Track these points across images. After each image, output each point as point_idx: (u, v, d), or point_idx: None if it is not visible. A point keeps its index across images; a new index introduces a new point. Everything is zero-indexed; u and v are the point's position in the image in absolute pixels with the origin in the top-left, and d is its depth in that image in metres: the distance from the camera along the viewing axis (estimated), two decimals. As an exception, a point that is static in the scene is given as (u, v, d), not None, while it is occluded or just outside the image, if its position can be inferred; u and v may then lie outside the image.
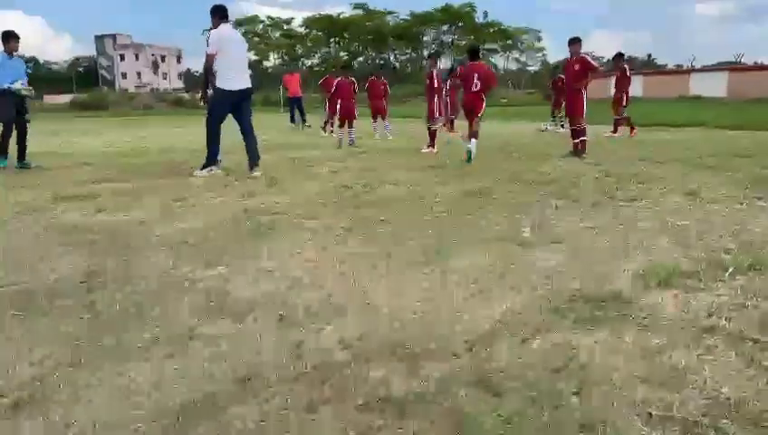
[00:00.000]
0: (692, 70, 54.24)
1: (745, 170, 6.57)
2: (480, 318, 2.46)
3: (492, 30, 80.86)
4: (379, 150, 10.02)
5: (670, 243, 3.61)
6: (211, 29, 6.79)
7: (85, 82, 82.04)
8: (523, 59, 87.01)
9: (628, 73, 12.89)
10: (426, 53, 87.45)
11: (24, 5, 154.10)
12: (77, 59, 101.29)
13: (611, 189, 5.53)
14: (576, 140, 8.58)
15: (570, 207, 4.76)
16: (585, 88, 8.64)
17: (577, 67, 8.53)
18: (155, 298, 2.73)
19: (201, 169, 6.82)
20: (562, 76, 14.92)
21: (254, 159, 7.01)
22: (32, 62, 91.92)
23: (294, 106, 18.07)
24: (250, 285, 2.90)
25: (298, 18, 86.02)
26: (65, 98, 42.50)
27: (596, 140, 10.79)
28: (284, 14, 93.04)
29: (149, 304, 2.66)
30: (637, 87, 50.80)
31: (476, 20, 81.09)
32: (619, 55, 13.23)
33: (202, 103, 7.58)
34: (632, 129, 12.27)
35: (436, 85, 10.29)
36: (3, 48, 7.74)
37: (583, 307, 2.55)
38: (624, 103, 12.72)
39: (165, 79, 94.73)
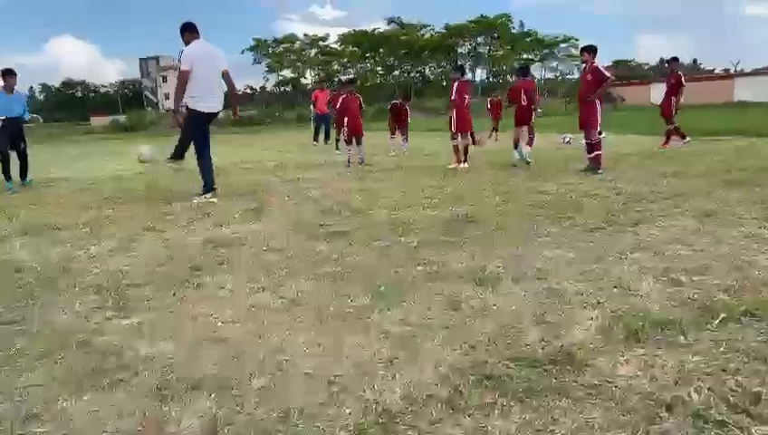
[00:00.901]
0: (737, 74, 51.90)
1: (775, 186, 5.90)
2: (385, 390, 2.03)
3: (528, 40, 79.85)
4: (388, 169, 9.64)
5: (659, 281, 3.09)
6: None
7: (131, 104, 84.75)
8: (561, 67, 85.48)
9: (683, 80, 11.66)
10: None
11: (76, 31, 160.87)
12: (123, 81, 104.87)
13: (616, 211, 5.00)
14: (591, 155, 8.02)
15: (560, 234, 4.27)
16: (599, 99, 8.08)
17: (590, 78, 7.98)
18: (41, 355, 2.41)
19: (200, 196, 6.54)
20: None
21: (210, 183, 6.71)
22: (81, 85, 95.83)
23: (321, 123, 17.70)
24: (149, 343, 2.55)
25: (334, 35, 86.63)
26: (107, 120, 44.01)
27: (640, 152, 10.16)
28: (325, 32, 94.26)
29: (26, 365, 2.34)
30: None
31: (512, 30, 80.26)
32: (674, 60, 12.15)
33: (172, 126, 7.43)
34: (667, 141, 11.49)
35: (452, 98, 9.88)
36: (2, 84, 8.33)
37: (520, 374, 2.09)
38: (675, 112, 11.61)
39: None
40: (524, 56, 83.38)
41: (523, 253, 3.78)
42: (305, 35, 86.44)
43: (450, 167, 9.34)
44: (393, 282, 3.23)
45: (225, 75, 6.67)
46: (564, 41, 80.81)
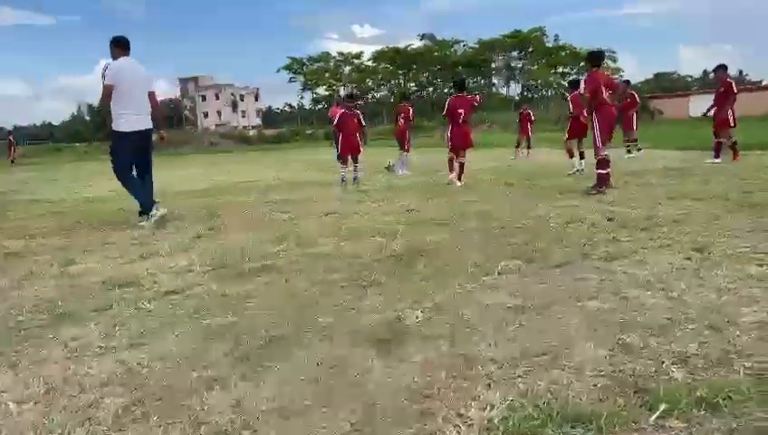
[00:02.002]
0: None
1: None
2: None
3: (564, 53, 78.31)
4: (381, 189, 9.05)
5: (603, 345, 2.40)
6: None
7: (171, 123, 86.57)
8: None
9: (735, 89, 10.63)
10: (494, 79, 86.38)
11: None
12: (162, 101, 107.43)
13: (596, 242, 4.28)
14: (601, 171, 7.24)
15: (515, 272, 3.59)
16: (598, 114, 7.37)
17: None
18: None
19: (141, 218, 6.14)
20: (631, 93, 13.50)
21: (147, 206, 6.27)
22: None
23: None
24: None
25: (368, 53, 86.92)
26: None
27: (659, 169, 9.32)
28: (362, 49, 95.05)
29: None
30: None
31: (547, 44, 78.92)
32: (721, 67, 10.94)
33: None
34: (736, 153, 10.55)
35: (444, 114, 9.31)
36: None
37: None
38: (732, 124, 10.65)
39: (244, 117, 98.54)
40: (560, 70, 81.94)
41: (459, 298, 3.13)
42: (339, 53, 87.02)
43: (447, 182, 9.06)
44: (278, 340, 2.63)
45: (152, 96, 6.30)
46: (601, 54, 79.00)
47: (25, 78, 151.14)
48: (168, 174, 16.06)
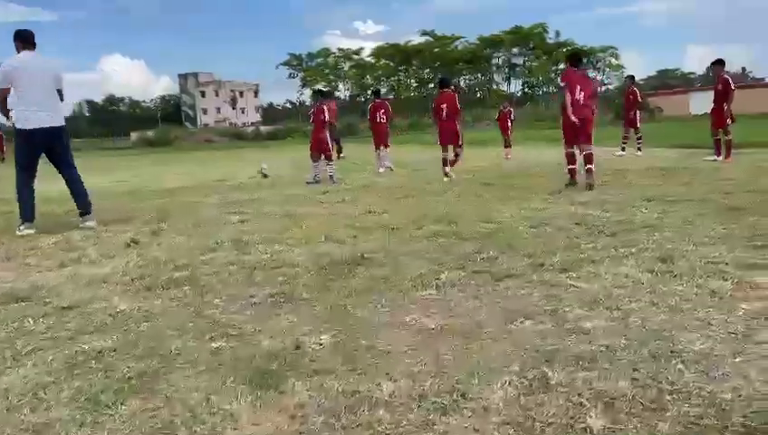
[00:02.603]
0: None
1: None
2: None
3: (565, 49, 77.74)
4: (353, 188, 8.68)
5: (513, 381, 2.03)
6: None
7: (170, 119, 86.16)
8: (600, 77, 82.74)
9: (732, 84, 10.19)
10: (495, 76, 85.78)
11: (128, 51, 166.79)
12: (163, 97, 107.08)
13: (555, 249, 3.90)
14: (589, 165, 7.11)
15: (453, 285, 3.23)
16: (565, 112, 7.34)
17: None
18: None
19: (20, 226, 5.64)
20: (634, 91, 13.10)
21: (83, 208, 5.90)
22: (121, 101, 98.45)
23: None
24: None
25: (368, 49, 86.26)
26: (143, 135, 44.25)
27: (646, 169, 8.93)
28: (361, 46, 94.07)
29: None
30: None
31: (548, 40, 78.38)
32: (719, 62, 10.44)
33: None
34: (729, 152, 10.10)
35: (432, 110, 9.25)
36: None
37: None
38: (729, 121, 10.17)
39: (243, 113, 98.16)
40: (561, 66, 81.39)
41: (379, 319, 2.77)
42: (339, 49, 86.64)
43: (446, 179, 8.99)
44: (139, 376, 2.26)
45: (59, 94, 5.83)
46: (603, 50, 78.45)
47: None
48: (149, 171, 15.76)
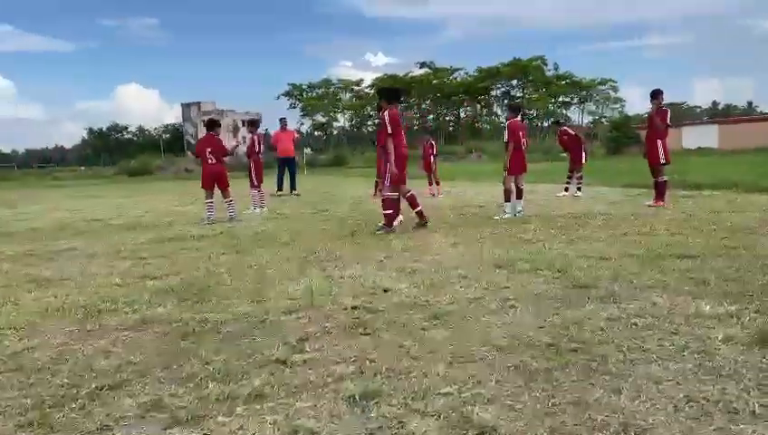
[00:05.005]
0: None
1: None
2: None
3: (564, 82, 77.64)
4: (210, 235, 7.94)
5: None
6: None
7: (172, 148, 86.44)
8: (599, 111, 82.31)
9: (668, 118, 9.23)
10: (495, 108, 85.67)
11: (142, 80, 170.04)
12: (167, 126, 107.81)
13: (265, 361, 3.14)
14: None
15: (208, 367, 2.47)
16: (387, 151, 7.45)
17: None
18: None
19: None
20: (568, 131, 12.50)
21: None
22: (124, 130, 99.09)
23: (284, 168, 15.55)
24: None
25: (368, 80, 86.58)
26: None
27: (579, 212, 8.13)
28: (366, 77, 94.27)
29: None
30: (712, 137, 45.80)
31: (547, 72, 78.32)
32: (658, 92, 9.46)
33: None
34: (660, 195, 9.27)
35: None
36: None
37: None
38: (663, 160, 9.25)
39: (244, 142, 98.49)
40: (561, 99, 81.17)
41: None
42: (339, 80, 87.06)
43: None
44: None
45: None
46: (602, 83, 78.14)
47: (45, 102, 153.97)
48: (73, 204, 14.92)
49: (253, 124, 11.64)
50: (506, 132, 8.94)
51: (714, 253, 5.21)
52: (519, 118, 9.25)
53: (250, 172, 11.04)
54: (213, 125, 9.75)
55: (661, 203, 9.18)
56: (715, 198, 9.97)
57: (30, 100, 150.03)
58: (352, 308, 3.84)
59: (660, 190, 9.31)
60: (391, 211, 7.44)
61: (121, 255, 6.30)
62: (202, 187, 9.36)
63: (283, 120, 16.36)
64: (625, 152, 39.72)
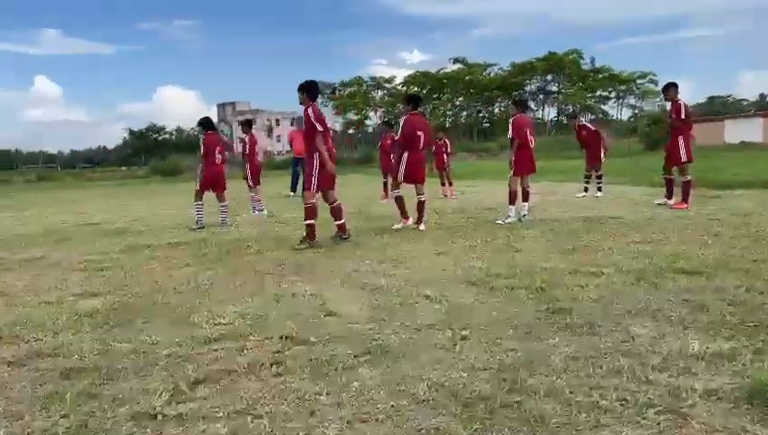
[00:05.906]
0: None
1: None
2: None
3: (601, 76, 75.43)
4: (193, 240, 7.53)
5: None
6: None
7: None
8: (639, 105, 79.72)
9: (683, 113, 8.57)
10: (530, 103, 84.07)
11: (181, 82, 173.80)
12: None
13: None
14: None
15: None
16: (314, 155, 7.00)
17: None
18: None
19: None
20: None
21: None
22: (161, 130, 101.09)
23: (299, 168, 15.46)
24: None
25: (400, 77, 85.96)
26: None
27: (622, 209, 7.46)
28: (406, 74, 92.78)
29: None
30: (756, 131, 43.35)
31: (583, 66, 76.27)
32: (669, 86, 8.86)
33: None
34: (685, 196, 8.57)
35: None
36: None
37: None
38: (684, 158, 8.62)
39: (278, 141, 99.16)
40: (598, 93, 78.97)
41: None
42: (371, 78, 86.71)
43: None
44: None
45: None
46: (642, 76, 75.60)
47: (88, 104, 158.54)
48: (87, 208, 14.84)
49: (247, 124, 11.20)
50: (511, 129, 8.13)
51: (725, 267, 4.51)
52: (525, 113, 8.57)
53: (246, 174, 10.65)
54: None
55: (685, 205, 8.41)
56: (745, 199, 9.09)
57: (75, 102, 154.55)
58: (280, 338, 3.33)
59: (684, 191, 8.55)
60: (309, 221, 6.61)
61: (81, 266, 5.92)
62: (199, 189, 8.91)
63: (298, 119, 16.09)
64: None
